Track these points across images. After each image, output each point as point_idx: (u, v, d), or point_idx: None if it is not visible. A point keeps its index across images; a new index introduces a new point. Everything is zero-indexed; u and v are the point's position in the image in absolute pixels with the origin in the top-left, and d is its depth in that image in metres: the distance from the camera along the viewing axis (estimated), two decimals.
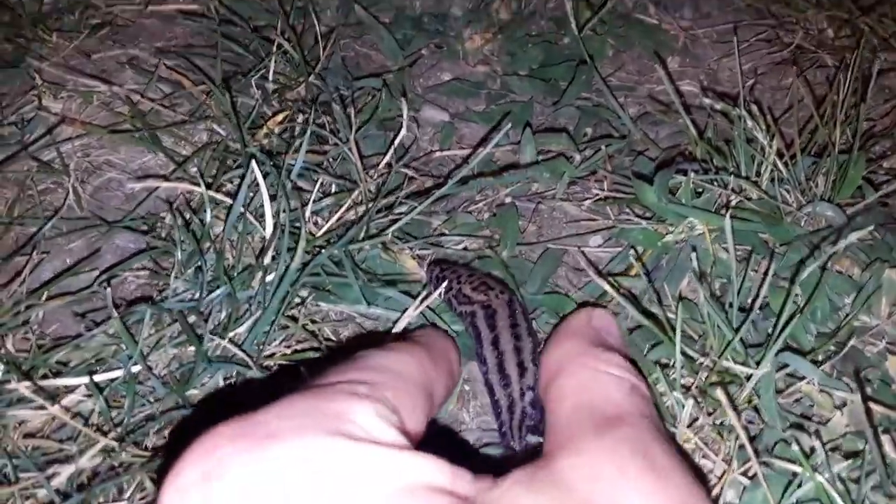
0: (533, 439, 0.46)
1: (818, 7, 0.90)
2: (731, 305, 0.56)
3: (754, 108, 0.70)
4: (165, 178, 0.67)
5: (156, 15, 0.87)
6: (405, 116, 0.70)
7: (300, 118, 0.71)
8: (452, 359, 0.43)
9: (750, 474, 0.50)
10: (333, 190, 0.68)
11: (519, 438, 0.46)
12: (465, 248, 0.70)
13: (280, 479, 0.24)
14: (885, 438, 0.47)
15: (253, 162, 0.56)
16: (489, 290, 0.56)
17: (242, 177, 0.60)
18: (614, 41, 0.93)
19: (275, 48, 0.76)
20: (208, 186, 0.64)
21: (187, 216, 0.65)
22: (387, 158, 0.71)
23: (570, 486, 0.29)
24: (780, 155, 0.68)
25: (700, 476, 0.35)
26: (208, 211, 0.61)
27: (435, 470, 0.27)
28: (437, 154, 0.80)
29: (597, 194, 0.74)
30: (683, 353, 0.53)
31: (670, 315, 0.61)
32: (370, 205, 0.66)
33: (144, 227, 0.66)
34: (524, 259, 0.70)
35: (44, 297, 0.59)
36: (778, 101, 0.87)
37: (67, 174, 0.68)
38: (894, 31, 0.89)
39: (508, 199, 0.75)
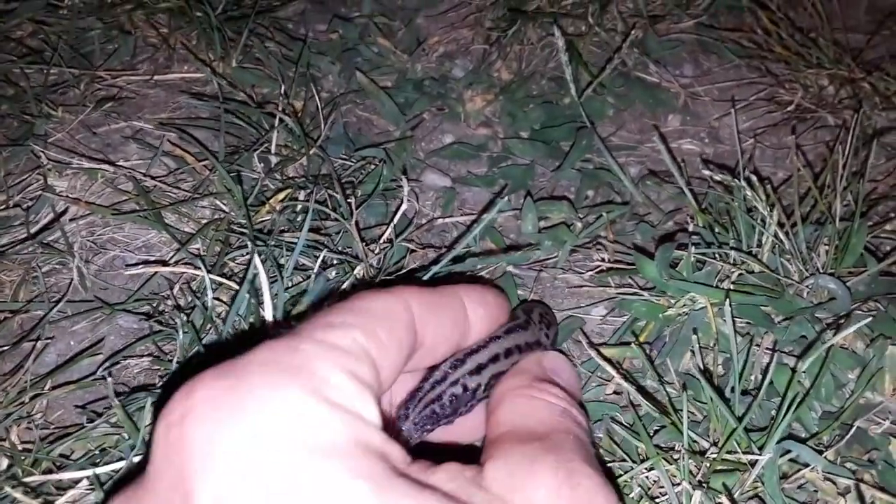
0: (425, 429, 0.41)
1: (818, 66, 0.90)
2: (733, 390, 0.56)
3: (753, 178, 0.70)
4: (165, 263, 0.68)
5: (161, 84, 0.88)
6: (405, 192, 0.70)
7: (302, 195, 0.72)
8: (469, 310, 0.41)
9: None
10: (335, 265, 0.69)
11: (417, 422, 0.41)
12: None
13: (241, 429, 0.26)
14: None
15: (256, 258, 0.56)
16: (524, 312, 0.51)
17: (247, 263, 0.60)
18: (614, 100, 0.94)
19: (276, 122, 0.77)
20: (212, 266, 0.65)
21: (189, 298, 0.66)
22: (388, 233, 0.71)
23: (487, 485, 0.32)
24: (780, 225, 0.68)
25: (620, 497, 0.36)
26: (210, 295, 0.61)
27: (373, 433, 0.29)
28: (440, 221, 0.80)
29: (599, 263, 0.75)
30: (689, 445, 0.52)
31: (671, 391, 0.62)
32: (375, 282, 0.67)
33: (147, 309, 0.66)
34: None
35: (48, 387, 0.59)
36: (779, 159, 0.87)
37: (72, 255, 0.68)
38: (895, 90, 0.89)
39: (510, 268, 0.75)
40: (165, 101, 0.87)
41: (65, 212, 0.71)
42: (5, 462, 0.54)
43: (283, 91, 0.81)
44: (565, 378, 0.44)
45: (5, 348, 0.62)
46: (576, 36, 0.95)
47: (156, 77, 0.88)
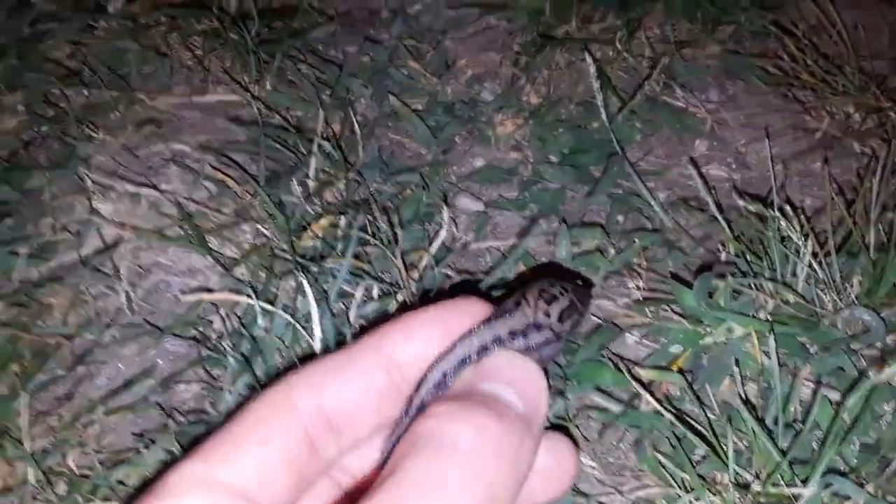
0: None
1: (844, 93, 0.92)
2: (776, 422, 0.57)
3: (787, 208, 0.72)
4: (210, 290, 0.69)
5: (198, 106, 0.90)
6: (445, 220, 0.72)
7: (342, 221, 0.73)
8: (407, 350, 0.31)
9: None
10: (376, 291, 0.70)
11: None
12: None
13: None
14: None
15: (307, 285, 0.57)
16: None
17: (290, 289, 0.62)
18: (642, 125, 0.95)
19: (315, 148, 0.78)
20: (256, 292, 0.66)
21: (236, 324, 0.67)
22: (426, 261, 0.72)
23: None
24: (814, 255, 0.70)
25: None
26: (259, 321, 0.62)
27: None
28: (474, 246, 0.81)
29: (633, 289, 0.76)
30: (734, 478, 0.54)
31: (711, 416, 0.63)
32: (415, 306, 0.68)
33: (194, 333, 0.68)
34: (561, 354, 0.72)
35: (101, 412, 0.60)
36: (806, 187, 0.89)
37: (119, 279, 0.70)
38: None
39: None
40: (203, 124, 0.88)
41: (115, 244, 0.72)
42: (64, 488, 0.55)
43: (322, 117, 0.82)
44: (517, 389, 0.30)
45: (60, 373, 0.63)
46: (604, 62, 0.97)
47: (193, 99, 0.89)
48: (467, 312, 0.30)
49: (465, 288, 0.74)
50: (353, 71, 0.97)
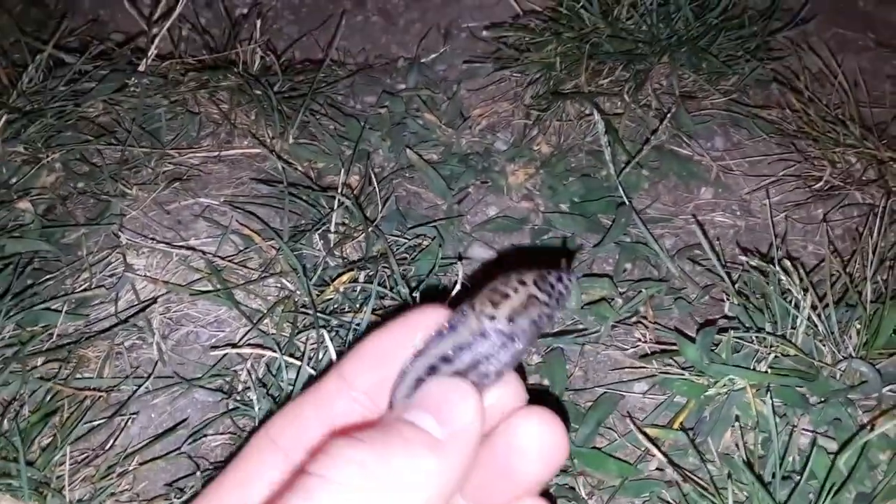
0: None
1: (845, 144, 0.95)
2: (773, 475, 0.60)
3: (788, 263, 0.75)
4: (236, 344, 0.73)
5: (224, 160, 0.95)
6: (460, 276, 0.76)
7: (361, 276, 0.77)
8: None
9: None
10: None
11: None
12: None
13: None
14: None
15: (326, 335, 0.61)
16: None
17: (314, 342, 0.65)
18: (649, 173, 0.99)
19: (336, 205, 0.83)
20: (279, 346, 0.70)
21: (262, 374, 0.71)
22: None
23: None
24: (813, 307, 0.72)
25: None
26: (285, 375, 0.66)
27: None
28: None
29: (639, 338, 0.79)
30: None
31: (712, 469, 0.66)
32: None
33: (221, 383, 0.72)
34: (572, 403, 0.75)
35: (135, 462, 0.64)
36: (809, 233, 0.92)
37: (151, 332, 0.74)
38: None
39: (556, 345, 0.80)
40: (229, 177, 0.93)
41: (150, 300, 0.76)
42: None
43: (343, 172, 0.86)
44: (439, 417, 0.31)
45: (97, 424, 0.67)
46: (612, 114, 1.01)
47: (220, 153, 0.94)
48: (425, 323, 0.32)
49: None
50: (371, 123, 1.01)
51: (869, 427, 0.61)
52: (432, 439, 0.30)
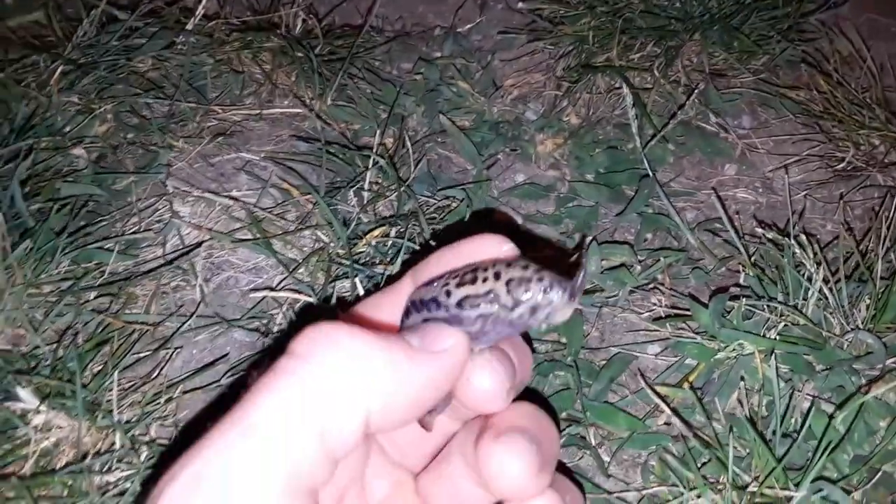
0: None
1: (870, 126, 0.97)
2: (774, 432, 0.64)
3: (803, 237, 0.78)
4: (273, 288, 0.78)
5: (265, 118, 0.99)
6: None
7: (393, 231, 0.81)
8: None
9: None
10: None
11: None
12: (533, 350, 0.79)
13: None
14: None
15: (358, 283, 0.66)
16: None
17: (346, 291, 0.70)
18: (675, 147, 1.01)
19: (371, 164, 0.87)
20: (314, 291, 0.75)
21: (295, 318, 0.76)
22: None
23: None
24: (825, 281, 0.75)
25: None
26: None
27: None
28: None
29: (655, 304, 0.82)
30: (733, 479, 0.60)
31: (718, 427, 0.69)
32: None
33: (258, 325, 0.77)
34: (587, 361, 0.79)
35: (178, 392, 0.70)
36: (828, 212, 0.94)
37: (195, 275, 0.79)
38: None
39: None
40: (269, 135, 0.97)
41: (196, 245, 0.81)
42: (147, 454, 0.64)
43: (378, 133, 0.90)
44: (423, 340, 0.34)
45: (144, 354, 0.73)
46: (642, 88, 1.03)
47: (262, 111, 0.98)
48: (487, 248, 0.36)
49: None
50: (406, 89, 1.05)
51: (865, 389, 0.65)
52: (411, 348, 0.33)
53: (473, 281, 0.34)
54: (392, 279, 0.75)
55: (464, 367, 0.34)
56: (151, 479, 0.62)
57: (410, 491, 0.39)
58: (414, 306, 0.36)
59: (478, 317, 0.33)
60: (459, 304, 0.33)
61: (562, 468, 0.39)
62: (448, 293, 0.34)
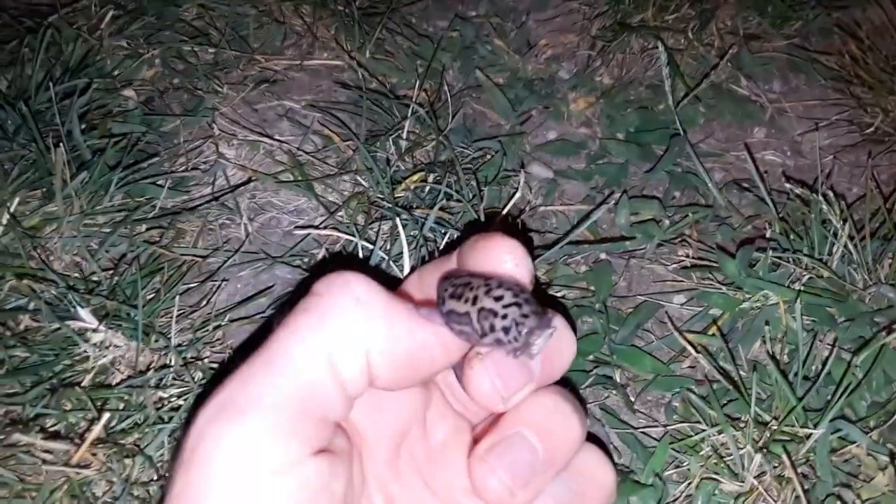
0: None
1: None
2: (796, 375, 0.67)
3: (830, 194, 0.80)
4: (316, 227, 0.81)
5: (306, 69, 1.02)
6: (521, 183, 0.82)
7: (430, 178, 0.84)
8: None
9: None
10: (457, 238, 0.81)
11: None
12: (563, 297, 0.82)
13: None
14: None
15: (398, 220, 0.69)
16: None
17: (384, 233, 0.73)
18: (705, 109, 1.03)
19: (410, 113, 0.89)
20: (357, 230, 0.78)
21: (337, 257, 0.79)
22: (502, 215, 0.83)
23: None
24: (850, 237, 0.78)
25: None
26: (360, 254, 0.74)
27: None
28: (542, 208, 0.91)
29: (682, 258, 0.85)
30: (755, 416, 0.63)
31: (742, 373, 0.72)
32: None
33: (300, 263, 0.80)
34: (615, 309, 0.82)
35: (227, 319, 0.73)
36: (855, 176, 0.96)
37: (240, 214, 0.82)
38: None
39: (603, 256, 0.86)
40: (310, 84, 1.00)
41: (241, 184, 0.84)
42: (199, 375, 0.68)
43: (417, 85, 0.93)
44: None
45: (193, 285, 0.76)
46: (675, 50, 1.05)
47: (303, 62, 1.01)
48: (492, 257, 0.36)
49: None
50: (443, 45, 1.07)
51: (885, 332, 0.67)
52: (413, 311, 0.35)
53: (460, 297, 0.35)
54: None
55: (461, 349, 0.36)
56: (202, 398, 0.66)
57: (467, 439, 0.41)
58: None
59: (459, 331, 0.35)
60: (448, 315, 0.35)
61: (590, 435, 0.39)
62: (443, 300, 0.35)
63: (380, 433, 0.38)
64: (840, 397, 0.64)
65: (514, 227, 0.85)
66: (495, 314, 0.33)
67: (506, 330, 0.33)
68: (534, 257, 0.80)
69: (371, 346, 0.34)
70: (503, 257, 0.36)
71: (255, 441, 0.32)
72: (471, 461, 0.36)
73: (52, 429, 0.63)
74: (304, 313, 0.34)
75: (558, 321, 0.35)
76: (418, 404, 0.40)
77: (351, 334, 0.34)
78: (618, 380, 0.74)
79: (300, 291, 0.35)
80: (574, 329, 0.38)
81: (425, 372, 0.36)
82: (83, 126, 0.83)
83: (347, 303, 0.34)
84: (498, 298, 0.33)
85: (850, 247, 0.78)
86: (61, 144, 0.74)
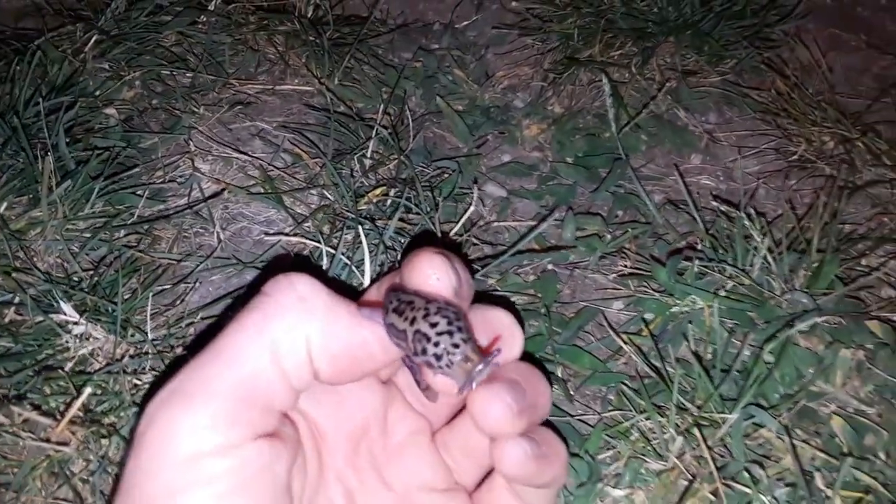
0: None
1: (822, 125, 1.08)
2: (714, 366, 0.74)
3: (752, 212, 0.88)
4: (285, 234, 0.87)
5: (278, 93, 1.09)
6: (475, 198, 0.90)
7: (392, 192, 0.91)
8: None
9: (717, 495, 0.68)
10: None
11: None
12: (513, 303, 0.89)
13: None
14: (817, 475, 0.65)
15: (360, 229, 0.76)
16: None
17: (348, 242, 0.80)
18: (647, 138, 1.12)
19: (374, 134, 0.97)
20: (323, 238, 0.85)
21: (303, 262, 0.85)
22: (455, 230, 0.90)
23: None
24: (770, 250, 0.86)
25: None
26: (325, 260, 0.81)
27: None
28: (496, 224, 0.99)
29: (621, 269, 0.93)
30: (677, 403, 0.71)
31: (670, 369, 0.80)
32: None
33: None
34: (559, 314, 0.89)
35: (199, 317, 0.79)
36: (780, 200, 1.05)
37: (213, 222, 0.88)
38: (884, 149, 1.06)
39: (550, 266, 0.94)
40: (281, 107, 1.07)
41: (214, 195, 0.91)
42: (170, 363, 0.74)
43: (381, 109, 1.00)
44: None
45: (167, 287, 0.82)
46: (620, 82, 1.14)
47: (275, 87, 1.08)
48: (419, 275, 0.38)
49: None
50: (407, 74, 1.15)
51: (788, 324, 0.75)
52: (355, 311, 0.38)
53: (401, 314, 0.36)
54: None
55: (396, 351, 0.39)
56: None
57: (427, 439, 0.44)
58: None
59: (395, 343, 0.37)
60: (388, 326, 0.37)
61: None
62: (387, 311, 0.37)
63: (339, 430, 0.41)
64: (752, 385, 0.71)
65: (455, 245, 0.91)
66: (428, 339, 0.35)
67: (437, 357, 0.35)
68: (474, 270, 0.87)
69: (311, 340, 0.36)
70: (427, 272, 0.38)
71: (200, 424, 0.34)
72: (472, 393, 0.37)
73: (34, 410, 0.68)
74: (252, 310, 0.37)
75: (498, 359, 0.37)
76: (378, 404, 0.43)
77: (292, 329, 0.36)
78: (560, 375, 0.81)
79: (253, 291, 0.38)
80: (522, 325, 0.42)
81: (367, 367, 0.39)
82: (67, 139, 0.89)
83: (290, 301, 0.37)
84: (433, 325, 0.35)
85: (769, 259, 0.86)
86: (48, 155, 0.80)
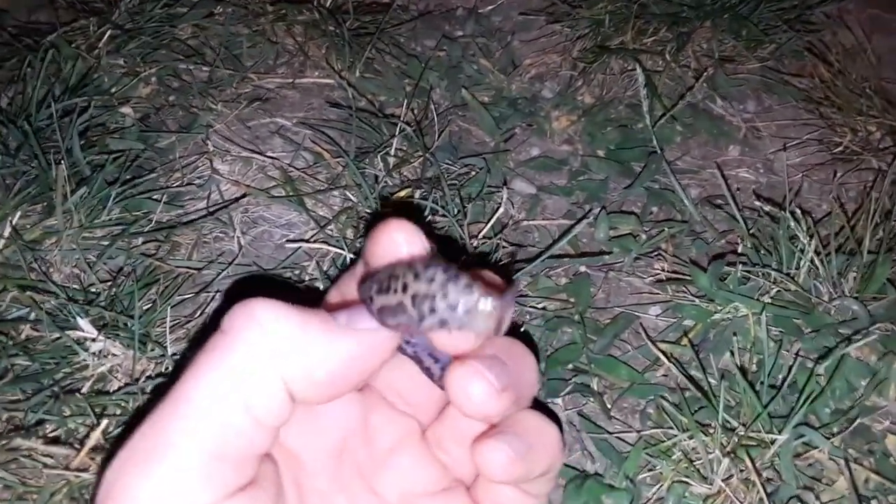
0: None
1: (868, 114, 1.03)
2: (762, 383, 0.70)
3: (798, 211, 0.84)
4: (307, 240, 0.84)
5: (297, 87, 1.05)
6: (504, 199, 0.86)
7: (417, 194, 0.88)
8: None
9: None
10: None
11: None
12: (543, 308, 0.85)
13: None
14: (873, 503, 0.61)
15: None
16: None
17: None
18: (682, 128, 1.07)
19: (398, 131, 0.93)
20: (346, 244, 0.81)
21: (326, 267, 0.82)
22: (484, 232, 0.86)
23: None
24: (817, 253, 0.82)
25: None
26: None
27: None
28: (525, 223, 0.95)
29: (658, 271, 0.89)
30: (723, 423, 0.67)
31: (712, 381, 0.76)
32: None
33: (291, 275, 0.83)
34: (593, 320, 0.85)
35: None
36: (824, 193, 1.00)
37: (233, 227, 0.85)
38: None
39: (583, 269, 0.90)
40: (301, 102, 1.03)
41: (235, 199, 0.87)
42: None
43: (405, 104, 0.96)
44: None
45: (188, 296, 0.79)
46: (653, 71, 1.09)
47: (294, 81, 1.05)
48: (387, 249, 0.35)
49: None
50: (430, 64, 1.11)
51: (847, 342, 0.71)
52: (331, 324, 0.33)
53: (388, 290, 0.32)
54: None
55: (392, 346, 0.35)
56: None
57: (416, 439, 0.40)
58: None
59: (396, 325, 0.33)
60: (380, 313, 0.33)
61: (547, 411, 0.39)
62: (371, 299, 0.33)
63: (315, 450, 0.38)
64: (803, 404, 0.67)
65: (481, 257, 0.88)
66: (433, 295, 0.31)
67: (451, 308, 0.31)
68: (515, 270, 0.84)
69: (289, 377, 0.32)
70: (394, 238, 0.34)
71: (166, 489, 0.30)
72: (449, 373, 0.34)
73: (52, 434, 0.66)
74: (208, 353, 0.32)
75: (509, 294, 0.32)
76: (354, 414, 0.39)
77: (261, 369, 0.32)
78: (595, 388, 0.77)
79: (216, 321, 0.33)
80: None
81: (357, 379, 0.35)
82: (82, 143, 0.86)
83: (253, 336, 0.32)
84: (431, 280, 0.31)
85: (817, 262, 0.82)
86: (62, 162, 0.77)
